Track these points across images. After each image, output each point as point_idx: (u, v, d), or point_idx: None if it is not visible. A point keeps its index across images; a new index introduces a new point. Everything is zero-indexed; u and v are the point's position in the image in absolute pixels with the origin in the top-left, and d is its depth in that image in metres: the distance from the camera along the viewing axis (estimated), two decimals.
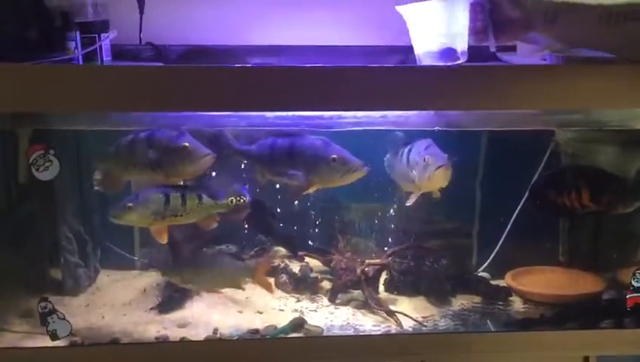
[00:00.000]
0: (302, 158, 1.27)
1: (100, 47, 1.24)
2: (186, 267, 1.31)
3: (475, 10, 1.11)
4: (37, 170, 1.12)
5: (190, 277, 1.30)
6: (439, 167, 1.25)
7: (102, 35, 1.24)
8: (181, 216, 1.23)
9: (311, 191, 1.29)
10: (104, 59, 1.25)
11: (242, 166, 1.38)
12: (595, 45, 1.11)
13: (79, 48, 1.21)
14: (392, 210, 1.49)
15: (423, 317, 1.30)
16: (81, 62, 1.21)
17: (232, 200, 1.25)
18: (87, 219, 1.42)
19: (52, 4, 1.26)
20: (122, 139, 1.24)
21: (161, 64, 1.33)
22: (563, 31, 1.09)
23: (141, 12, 1.41)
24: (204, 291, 1.34)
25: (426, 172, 1.27)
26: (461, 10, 1.12)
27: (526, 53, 1.39)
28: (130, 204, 1.21)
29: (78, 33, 1.22)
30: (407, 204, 1.34)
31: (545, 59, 1.25)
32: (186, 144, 1.21)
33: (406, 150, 1.34)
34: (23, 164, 1.24)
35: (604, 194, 1.33)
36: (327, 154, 1.25)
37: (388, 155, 1.40)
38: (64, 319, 1.18)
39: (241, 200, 1.25)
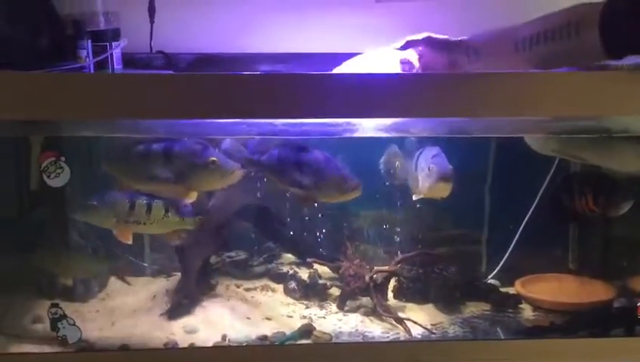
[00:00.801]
0: (305, 173, 1.27)
1: (111, 55, 1.25)
2: (48, 252, 1.32)
3: (404, 65, 1.19)
4: (48, 176, 1.13)
5: (50, 262, 1.31)
6: (440, 179, 1.26)
7: (113, 43, 1.26)
8: (144, 224, 1.22)
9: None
10: (115, 67, 1.27)
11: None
12: (518, 68, 1.17)
13: (90, 56, 1.23)
14: (400, 217, 1.49)
15: (432, 325, 1.30)
16: (92, 71, 1.22)
17: (200, 218, 1.25)
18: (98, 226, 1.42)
19: (64, 13, 1.28)
20: (137, 149, 1.23)
21: (171, 72, 1.34)
22: (487, 63, 1.15)
23: (152, 21, 1.42)
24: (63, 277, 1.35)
25: (427, 180, 1.28)
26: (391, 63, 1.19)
27: None
28: (95, 203, 1.21)
29: (89, 42, 1.23)
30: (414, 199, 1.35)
31: None
32: (214, 159, 1.20)
33: (417, 153, 1.35)
34: (35, 171, 1.25)
35: (603, 197, 1.33)
36: (327, 172, 1.25)
37: (383, 157, 1.41)
38: (74, 325, 1.19)
39: (201, 219, 1.26)
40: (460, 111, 1.07)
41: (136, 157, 1.23)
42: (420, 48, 1.19)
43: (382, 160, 1.41)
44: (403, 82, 1.06)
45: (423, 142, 1.35)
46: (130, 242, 1.24)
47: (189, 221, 1.25)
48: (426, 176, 1.29)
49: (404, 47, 1.21)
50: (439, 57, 1.18)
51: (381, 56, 1.21)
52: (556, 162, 1.43)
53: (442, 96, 1.05)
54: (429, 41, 1.19)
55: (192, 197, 1.25)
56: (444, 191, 1.28)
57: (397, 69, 1.20)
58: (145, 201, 1.22)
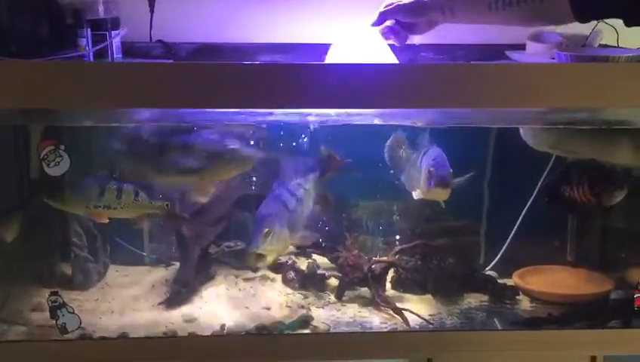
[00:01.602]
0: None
1: (111, 44, 1.25)
2: None
3: (386, 33, 1.25)
4: (48, 165, 1.13)
5: None
6: (437, 185, 1.27)
7: (112, 32, 1.25)
8: (115, 208, 1.24)
9: None
10: (115, 56, 1.27)
11: None
12: (491, 25, 1.26)
13: (90, 45, 1.23)
14: (399, 208, 1.49)
15: (429, 315, 1.30)
16: (91, 59, 1.22)
17: (167, 204, 1.26)
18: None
19: (64, 2, 1.27)
20: (147, 141, 1.23)
21: (170, 61, 1.34)
22: (461, 19, 1.22)
23: (151, 10, 1.42)
24: None
25: (426, 183, 1.30)
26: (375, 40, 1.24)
27: (535, 52, 1.39)
28: (65, 190, 1.22)
29: (89, 30, 1.23)
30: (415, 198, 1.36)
31: (554, 58, 1.25)
32: (234, 146, 1.21)
33: (422, 152, 1.35)
34: (34, 160, 1.25)
35: (598, 186, 1.35)
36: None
37: (389, 141, 1.41)
38: (73, 313, 1.19)
39: (167, 206, 1.27)
40: (458, 102, 1.07)
41: (152, 149, 1.24)
42: (395, 16, 1.23)
43: (387, 143, 1.41)
44: (408, 73, 1.06)
45: (430, 138, 1.36)
46: (106, 221, 1.25)
47: (158, 205, 1.26)
48: (426, 178, 1.30)
49: (379, 21, 1.25)
50: (416, 20, 1.23)
51: (362, 37, 1.24)
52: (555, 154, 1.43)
53: (441, 86, 1.05)
54: (401, 8, 1.23)
55: (211, 188, 1.26)
56: (441, 195, 1.29)
57: (383, 42, 1.23)
58: (115, 186, 1.24)
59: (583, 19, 1.15)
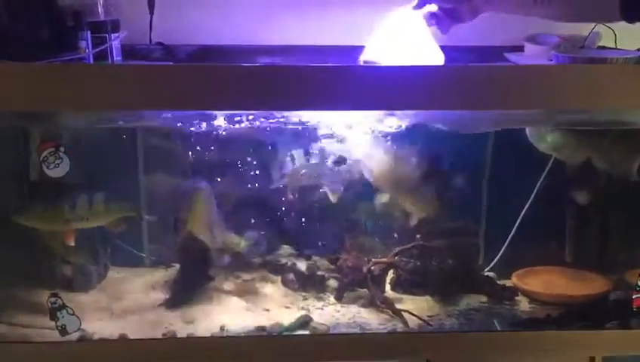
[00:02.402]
0: None
1: (111, 46, 1.25)
2: None
3: (428, 18, 1.26)
4: (47, 167, 1.13)
5: None
6: None
7: (112, 34, 1.26)
8: (87, 219, 1.25)
9: None
10: (114, 58, 1.27)
11: None
12: (534, 17, 1.26)
13: (90, 48, 1.23)
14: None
15: (428, 316, 1.31)
16: (91, 62, 1.23)
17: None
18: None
19: (64, 4, 1.28)
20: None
21: (170, 63, 1.34)
22: (503, 8, 1.24)
23: (151, 12, 1.43)
24: None
25: None
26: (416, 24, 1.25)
27: (533, 54, 1.40)
28: (38, 206, 1.23)
29: (89, 33, 1.24)
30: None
31: (551, 60, 1.25)
32: None
33: None
34: (34, 161, 1.25)
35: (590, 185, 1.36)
36: None
37: None
38: (73, 314, 1.20)
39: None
40: (455, 104, 1.08)
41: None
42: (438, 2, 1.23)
43: None
44: (407, 74, 1.07)
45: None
46: (72, 244, 1.27)
47: (130, 208, 1.27)
48: None
49: (420, 5, 1.24)
50: (456, 4, 1.23)
51: (403, 21, 1.23)
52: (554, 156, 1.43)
53: (438, 88, 1.06)
54: None
55: None
56: None
57: (424, 27, 1.24)
58: (86, 197, 1.24)
59: (631, 19, 1.13)
